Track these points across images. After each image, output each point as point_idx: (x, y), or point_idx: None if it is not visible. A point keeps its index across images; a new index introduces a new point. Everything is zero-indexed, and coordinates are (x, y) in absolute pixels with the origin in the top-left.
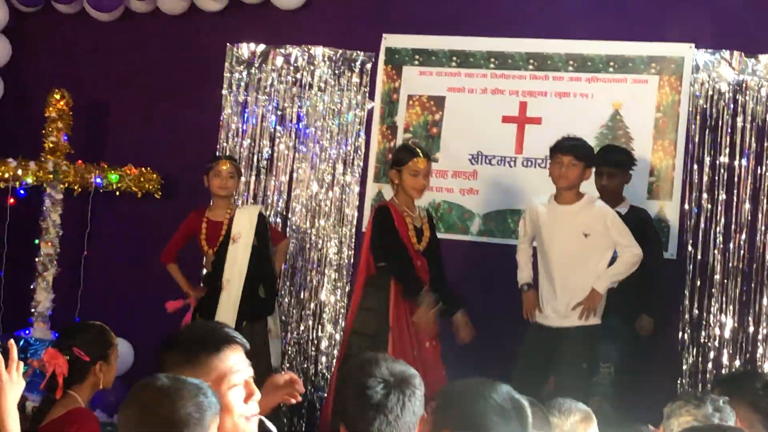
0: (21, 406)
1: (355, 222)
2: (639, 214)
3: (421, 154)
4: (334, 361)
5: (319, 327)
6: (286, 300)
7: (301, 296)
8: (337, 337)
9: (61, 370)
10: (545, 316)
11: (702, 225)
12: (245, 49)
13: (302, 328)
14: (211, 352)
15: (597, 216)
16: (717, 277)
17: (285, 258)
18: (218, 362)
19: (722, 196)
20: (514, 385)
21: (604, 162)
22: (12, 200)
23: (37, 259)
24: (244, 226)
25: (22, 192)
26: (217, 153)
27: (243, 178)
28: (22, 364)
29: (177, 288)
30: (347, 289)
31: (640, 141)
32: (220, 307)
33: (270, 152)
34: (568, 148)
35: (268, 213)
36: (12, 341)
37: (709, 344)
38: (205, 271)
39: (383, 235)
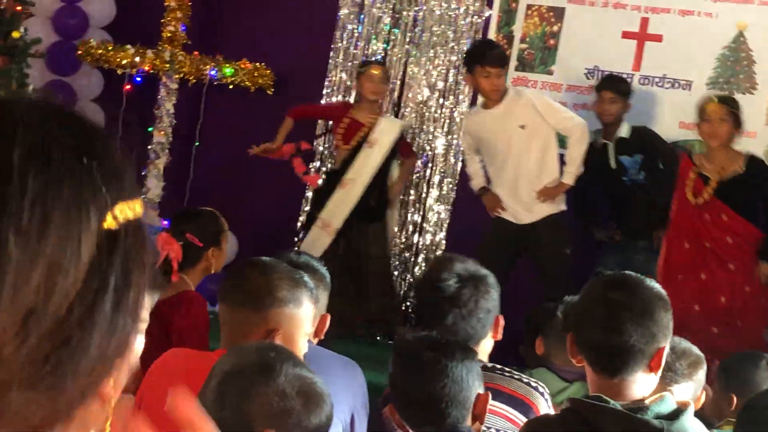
0: None
1: None
2: (641, 132)
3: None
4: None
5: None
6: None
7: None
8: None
9: (176, 255)
10: (513, 216)
11: None
12: None
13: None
14: None
15: (525, 105)
16: None
17: (408, 177)
18: None
19: None
20: None
21: (608, 88)
22: (128, 87)
23: (149, 147)
24: (385, 134)
25: (138, 79)
26: (365, 58)
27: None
28: None
29: (284, 183)
30: (453, 195)
31: (763, 64)
32: (331, 203)
33: (383, 55)
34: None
35: None
36: None
37: None
38: (327, 167)
39: None
